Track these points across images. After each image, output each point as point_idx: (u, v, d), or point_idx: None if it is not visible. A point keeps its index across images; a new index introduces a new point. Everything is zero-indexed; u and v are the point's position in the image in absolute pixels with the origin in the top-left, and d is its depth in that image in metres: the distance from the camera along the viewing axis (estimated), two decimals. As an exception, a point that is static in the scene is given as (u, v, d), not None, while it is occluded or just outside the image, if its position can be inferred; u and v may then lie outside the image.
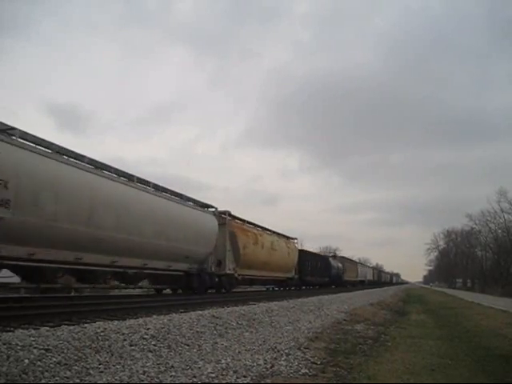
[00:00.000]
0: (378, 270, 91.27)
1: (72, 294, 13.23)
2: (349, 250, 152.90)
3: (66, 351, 5.01)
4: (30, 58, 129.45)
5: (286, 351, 6.37)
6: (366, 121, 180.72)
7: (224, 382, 4.64)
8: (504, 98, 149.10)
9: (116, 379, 4.47)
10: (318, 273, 36.79)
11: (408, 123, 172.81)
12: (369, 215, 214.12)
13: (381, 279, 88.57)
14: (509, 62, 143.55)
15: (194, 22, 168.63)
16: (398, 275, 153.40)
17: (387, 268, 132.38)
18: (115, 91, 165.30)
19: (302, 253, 33.58)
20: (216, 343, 6.82)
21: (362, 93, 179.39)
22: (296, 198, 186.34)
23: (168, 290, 18.53)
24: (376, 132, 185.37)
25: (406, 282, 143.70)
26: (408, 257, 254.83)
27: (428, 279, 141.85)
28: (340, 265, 45.89)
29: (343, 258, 53.85)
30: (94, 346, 5.43)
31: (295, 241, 31.97)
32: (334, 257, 49.08)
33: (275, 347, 6.65)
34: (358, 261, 77.22)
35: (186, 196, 17.83)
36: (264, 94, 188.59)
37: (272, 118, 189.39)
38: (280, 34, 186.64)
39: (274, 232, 27.32)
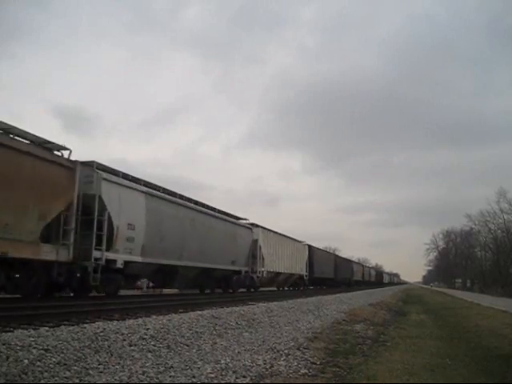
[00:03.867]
0: (343, 260, 51.56)
1: (71, 294, 13.15)
2: (349, 251, 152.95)
3: (65, 351, 5.01)
4: (39, 62, 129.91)
5: (286, 351, 6.36)
6: (367, 123, 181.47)
7: (223, 382, 4.64)
8: (504, 102, 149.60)
9: (115, 379, 4.46)
10: None
11: (409, 126, 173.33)
12: (369, 216, 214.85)
13: (351, 277, 50.96)
14: (509, 66, 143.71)
15: (201, 27, 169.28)
16: (396, 275, 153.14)
17: (387, 268, 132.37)
18: (121, 94, 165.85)
19: None
20: (215, 343, 6.82)
21: (364, 96, 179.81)
22: (297, 199, 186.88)
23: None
24: (377, 134, 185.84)
25: (406, 283, 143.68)
26: (407, 257, 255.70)
27: (427, 279, 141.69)
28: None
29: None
30: (93, 346, 5.42)
31: None
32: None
33: (274, 347, 6.65)
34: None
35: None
36: (267, 97, 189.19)
37: (274, 121, 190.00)
38: (285, 40, 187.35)
39: None
